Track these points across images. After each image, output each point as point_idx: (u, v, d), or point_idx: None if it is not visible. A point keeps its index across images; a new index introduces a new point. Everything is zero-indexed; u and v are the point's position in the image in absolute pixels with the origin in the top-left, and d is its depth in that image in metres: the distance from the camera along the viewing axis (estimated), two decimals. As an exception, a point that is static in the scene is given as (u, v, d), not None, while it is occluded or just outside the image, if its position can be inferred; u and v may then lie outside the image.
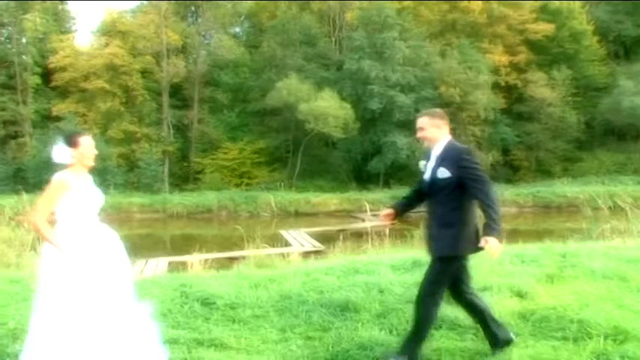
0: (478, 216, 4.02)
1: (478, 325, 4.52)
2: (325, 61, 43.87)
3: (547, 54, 42.85)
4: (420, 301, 4.08)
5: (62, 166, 3.93)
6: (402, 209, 4.54)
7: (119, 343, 3.63)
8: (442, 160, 4.00)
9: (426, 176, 4.13)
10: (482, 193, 3.81)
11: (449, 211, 3.92)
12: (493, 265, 6.50)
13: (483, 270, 6.30)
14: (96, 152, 4.01)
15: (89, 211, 3.91)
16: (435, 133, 4.04)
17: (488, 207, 3.77)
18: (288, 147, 41.01)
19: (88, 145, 3.94)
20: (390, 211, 4.54)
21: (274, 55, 41.88)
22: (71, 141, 3.91)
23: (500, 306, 5.00)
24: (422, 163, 4.21)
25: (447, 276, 4.08)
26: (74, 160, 3.90)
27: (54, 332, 3.58)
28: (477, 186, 3.82)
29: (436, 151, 4.08)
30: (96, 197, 3.96)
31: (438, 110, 4.20)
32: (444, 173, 3.95)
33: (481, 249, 3.90)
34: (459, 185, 3.89)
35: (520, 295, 5.46)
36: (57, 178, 3.81)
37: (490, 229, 3.73)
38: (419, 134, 4.11)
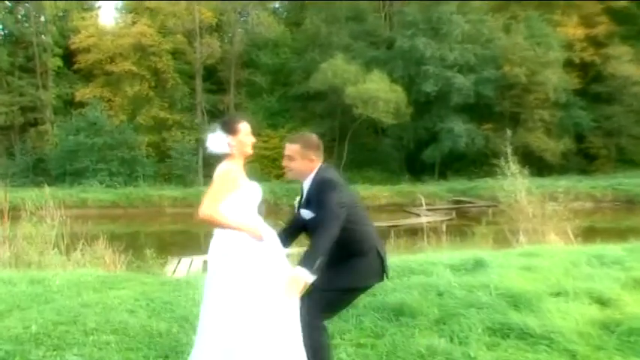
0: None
1: (552, 335, 4.41)
2: (374, 39, 43.62)
3: (633, 24, 41.40)
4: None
5: (220, 157, 3.86)
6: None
7: (283, 346, 3.61)
8: (307, 200, 3.77)
9: (297, 214, 3.91)
10: (321, 223, 3.49)
11: (333, 249, 3.59)
12: (567, 267, 6.35)
13: (556, 272, 6.18)
14: (254, 140, 3.92)
15: (253, 206, 3.83)
16: (305, 166, 3.75)
17: (317, 238, 3.45)
18: (333, 134, 40.97)
19: (247, 131, 3.86)
20: None
21: (318, 33, 41.85)
22: (230, 127, 3.82)
23: (577, 314, 4.87)
24: (297, 199, 3.97)
25: (338, 306, 3.89)
26: (233, 150, 3.82)
27: (225, 331, 3.55)
28: (323, 215, 3.51)
29: (306, 186, 3.83)
30: (257, 190, 3.87)
31: (314, 139, 3.84)
32: (308, 214, 3.73)
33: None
34: None
35: (602, 302, 5.30)
36: (224, 168, 3.77)
37: (301, 261, 3.38)
38: (285, 162, 3.82)
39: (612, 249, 7.54)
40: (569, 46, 40.32)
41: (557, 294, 5.39)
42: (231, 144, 3.79)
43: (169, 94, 41.88)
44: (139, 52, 40.46)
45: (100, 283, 7.04)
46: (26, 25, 42.05)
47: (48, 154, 38.72)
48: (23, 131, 40.98)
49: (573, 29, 40.98)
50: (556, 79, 37.67)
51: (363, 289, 3.93)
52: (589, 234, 11.09)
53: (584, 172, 37.65)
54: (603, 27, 41.51)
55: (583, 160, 40.28)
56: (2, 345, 4.70)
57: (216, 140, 3.82)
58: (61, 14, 43.00)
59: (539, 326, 4.56)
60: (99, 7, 47.25)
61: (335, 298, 3.77)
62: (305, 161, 3.72)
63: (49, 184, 17.21)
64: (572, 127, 39.96)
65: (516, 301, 5.19)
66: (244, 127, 3.83)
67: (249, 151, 3.86)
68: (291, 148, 3.75)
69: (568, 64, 39.83)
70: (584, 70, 41.24)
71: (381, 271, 3.77)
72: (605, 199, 33.00)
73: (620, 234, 12.75)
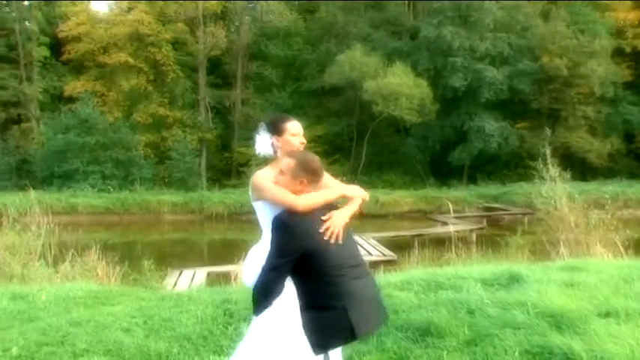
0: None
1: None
2: (396, 28, 43.66)
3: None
4: None
5: (264, 160, 3.92)
6: None
7: None
8: None
9: None
10: None
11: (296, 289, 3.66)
12: (618, 284, 6.27)
13: (604, 289, 6.10)
14: (304, 142, 3.92)
15: None
16: (292, 187, 3.62)
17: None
18: (351, 134, 41.03)
19: (295, 131, 3.88)
20: None
21: (334, 22, 42.00)
22: (275, 127, 3.87)
23: (631, 338, 4.77)
24: None
25: None
26: (278, 152, 3.85)
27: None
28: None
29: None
30: None
31: (315, 163, 3.65)
32: None
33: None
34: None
35: (661, 326, 5.19)
36: (260, 174, 3.79)
37: None
38: (275, 174, 3.72)
39: (672, 264, 7.46)
40: (619, 32, 40.18)
41: (607, 314, 5.31)
42: (276, 145, 3.82)
43: (169, 89, 42.07)
44: (135, 41, 40.69)
45: (92, 298, 7.05)
46: (7, 9, 42.10)
47: (33, 154, 38.71)
48: (5, 129, 40.91)
49: (624, 13, 40.77)
50: (602, 71, 37.36)
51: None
52: (643, 246, 11.00)
53: (634, 175, 37.15)
54: (662, 10, 41.18)
55: (633, 162, 39.97)
56: (-22, 370, 4.71)
57: (261, 142, 3.87)
58: (47, -2, 43.18)
59: (585, 351, 4.48)
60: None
61: None
62: (295, 182, 3.59)
63: (34, 188, 17.34)
64: (621, 125, 39.71)
65: (558, 322, 5.13)
66: (291, 127, 3.84)
67: None
68: (285, 162, 3.65)
69: (617, 54, 39.67)
70: (636, 59, 40.98)
71: (347, 330, 3.52)
72: (660, 207, 32.67)
73: (680, 247, 12.59)
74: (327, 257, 3.50)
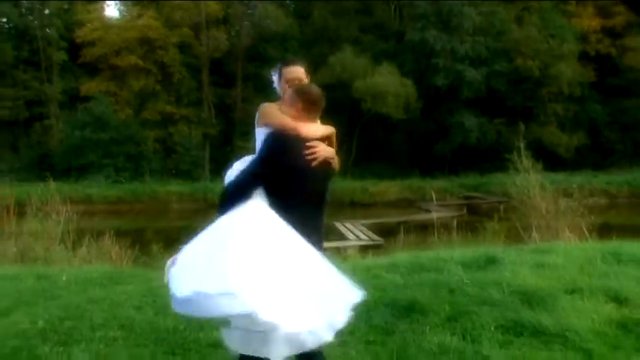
0: None
1: (567, 334, 4.38)
2: (384, 31, 43.52)
3: (652, 13, 41.05)
4: None
5: None
6: None
7: None
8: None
9: None
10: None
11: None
12: (582, 264, 6.32)
13: (570, 269, 6.15)
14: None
15: None
16: (290, 115, 3.54)
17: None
18: (342, 130, 40.85)
19: (290, 77, 3.77)
20: None
21: (326, 26, 41.83)
22: (280, 69, 3.84)
23: (593, 313, 4.84)
24: None
25: None
26: (280, 93, 3.82)
27: None
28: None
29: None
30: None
31: (314, 90, 3.55)
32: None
33: None
34: None
35: (618, 300, 5.24)
36: (268, 104, 3.72)
37: None
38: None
39: (629, 246, 7.46)
40: (584, 37, 40.16)
41: (572, 292, 5.36)
42: (277, 86, 3.80)
43: (176, 88, 41.92)
44: (145, 45, 40.50)
45: (107, 279, 7.07)
46: (30, 18, 42.35)
47: (53, 149, 38.85)
48: (28, 126, 40.89)
49: (588, 20, 40.76)
50: (570, 72, 37.48)
51: None
52: (604, 231, 10.98)
53: (598, 167, 37.31)
54: (620, 18, 41.23)
55: (598, 155, 39.99)
56: (9, 340, 4.73)
57: (275, 80, 3.83)
58: (65, 7, 43.14)
59: (553, 324, 4.54)
60: (104, 0, 47.48)
61: None
62: (291, 109, 3.48)
63: (54, 180, 17.31)
64: (587, 122, 39.83)
65: (530, 299, 5.18)
66: (286, 73, 3.74)
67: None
68: (287, 94, 3.59)
69: (583, 57, 39.65)
70: (599, 62, 41.01)
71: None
72: (620, 195, 32.84)
73: (636, 231, 12.71)
74: (304, 179, 3.35)
